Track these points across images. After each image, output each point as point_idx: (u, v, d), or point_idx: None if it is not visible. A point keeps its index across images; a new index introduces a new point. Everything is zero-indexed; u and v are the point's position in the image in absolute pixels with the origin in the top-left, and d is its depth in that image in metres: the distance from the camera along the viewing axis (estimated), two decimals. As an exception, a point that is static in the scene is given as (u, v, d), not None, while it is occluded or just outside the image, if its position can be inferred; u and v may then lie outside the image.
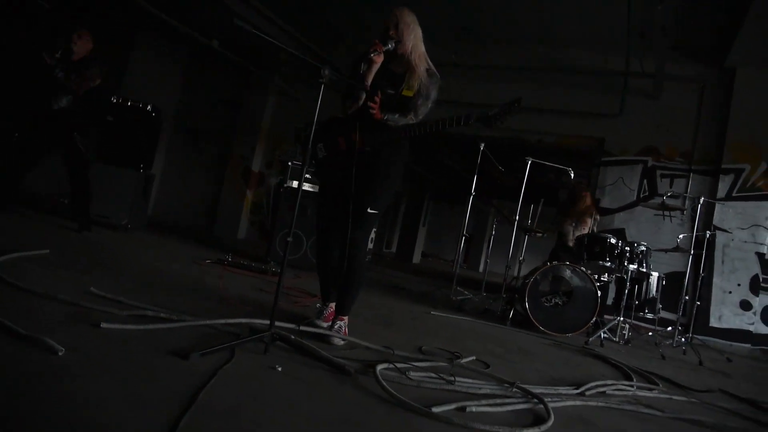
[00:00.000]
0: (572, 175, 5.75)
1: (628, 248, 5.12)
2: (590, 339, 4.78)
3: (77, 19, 5.50)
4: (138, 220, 6.41)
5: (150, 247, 5.66)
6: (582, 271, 4.95)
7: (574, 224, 6.10)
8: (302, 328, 2.86)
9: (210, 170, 10.41)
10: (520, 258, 5.55)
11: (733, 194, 6.94)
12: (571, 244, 6.03)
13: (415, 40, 3.01)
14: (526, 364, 3.41)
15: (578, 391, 2.80)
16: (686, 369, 4.50)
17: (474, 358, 3.10)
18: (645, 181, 7.54)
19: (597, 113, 7.79)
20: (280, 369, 2.20)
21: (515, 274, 5.75)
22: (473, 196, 6.39)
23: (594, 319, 4.89)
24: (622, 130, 7.68)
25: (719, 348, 6.59)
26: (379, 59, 2.94)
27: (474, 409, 2.15)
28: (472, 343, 3.78)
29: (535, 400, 2.40)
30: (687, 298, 5.79)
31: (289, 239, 2.46)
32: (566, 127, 8.09)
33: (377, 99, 2.90)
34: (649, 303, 5.56)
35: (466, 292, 6.09)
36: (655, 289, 5.59)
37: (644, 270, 5.20)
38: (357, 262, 3.00)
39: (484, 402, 2.26)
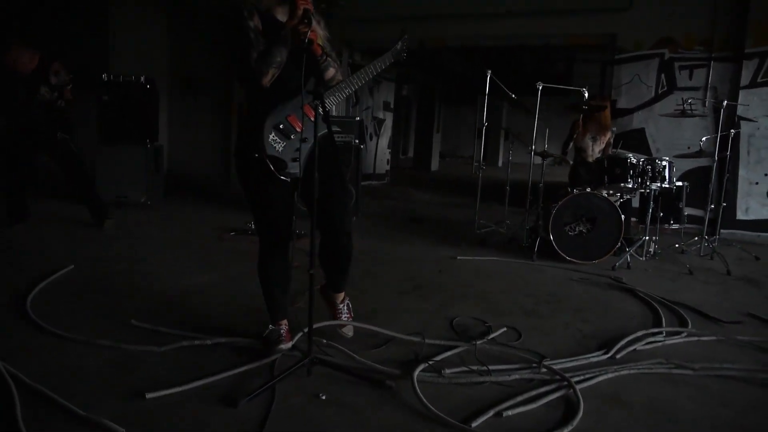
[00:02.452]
0: (586, 95, 5.50)
1: (650, 166, 5.00)
2: (617, 264, 4.82)
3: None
4: (155, 194, 6.45)
5: (172, 226, 5.73)
6: (604, 197, 4.89)
7: (592, 138, 5.93)
8: (328, 342, 2.83)
9: (215, 120, 10.24)
10: (540, 184, 5.46)
11: (758, 80, 6.61)
12: (590, 159, 5.91)
13: None
14: (556, 319, 3.48)
15: (608, 355, 2.87)
16: (714, 284, 4.54)
17: (505, 329, 3.17)
18: (663, 75, 7.19)
19: (605, 8, 7.29)
20: (324, 397, 2.29)
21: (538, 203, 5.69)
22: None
23: (619, 242, 4.90)
24: (634, 23, 7.22)
25: (747, 241, 6.62)
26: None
27: (510, 412, 2.24)
28: (502, 298, 3.85)
29: (566, 383, 2.48)
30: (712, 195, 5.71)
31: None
32: (573, 26, 7.64)
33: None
34: (675, 212, 5.51)
35: (489, 224, 6.10)
36: (679, 198, 5.51)
37: (668, 186, 5.10)
38: (352, 250, 2.73)
39: (518, 399, 2.35)
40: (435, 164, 15.84)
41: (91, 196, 5.38)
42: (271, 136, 2.38)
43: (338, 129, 6.15)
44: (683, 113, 5.52)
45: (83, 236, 5.11)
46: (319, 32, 2.49)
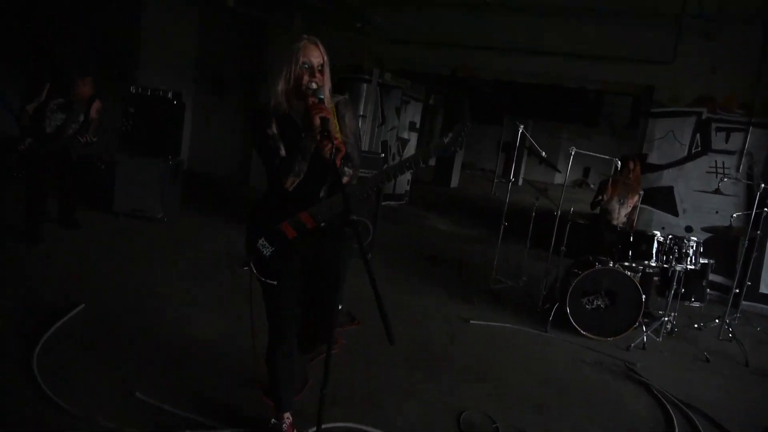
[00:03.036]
0: (619, 165, 5.35)
1: (676, 246, 4.86)
2: (632, 345, 4.70)
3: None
4: (171, 209, 6.42)
5: (186, 248, 5.69)
6: (626, 276, 4.76)
7: (620, 201, 5.79)
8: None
9: (239, 120, 10.21)
10: (562, 248, 5.34)
11: (797, 151, 6.41)
12: (616, 222, 5.78)
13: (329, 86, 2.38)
14: (563, 419, 3.39)
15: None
16: (731, 378, 4.42)
17: (513, 433, 3.09)
18: (698, 134, 7.01)
19: (647, 59, 7.10)
20: None
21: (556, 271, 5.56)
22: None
23: (637, 323, 4.78)
24: (674, 78, 7.03)
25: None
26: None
27: None
28: (512, 382, 3.77)
29: None
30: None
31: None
32: (611, 73, 7.48)
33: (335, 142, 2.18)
34: (697, 291, 5.37)
35: (505, 281, 6.00)
36: (704, 275, 5.36)
37: (694, 267, 4.95)
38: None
39: None
40: (455, 180, 15.70)
41: (70, 202, 5.70)
42: (261, 240, 2.45)
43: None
44: (716, 176, 5.33)
45: (95, 258, 5.09)
46: (345, 123, 2.46)
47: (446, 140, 2.38)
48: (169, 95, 6.12)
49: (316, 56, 2.33)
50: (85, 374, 3.05)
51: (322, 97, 2.26)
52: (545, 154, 5.57)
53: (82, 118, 5.31)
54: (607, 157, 5.34)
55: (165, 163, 6.14)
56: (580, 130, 21.86)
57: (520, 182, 19.72)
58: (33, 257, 4.89)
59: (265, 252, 2.44)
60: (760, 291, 6.59)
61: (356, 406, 3.13)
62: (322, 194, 2.43)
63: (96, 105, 5.38)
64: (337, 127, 2.39)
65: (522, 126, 5.60)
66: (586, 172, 20.72)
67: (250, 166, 10.02)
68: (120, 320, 3.80)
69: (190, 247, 5.76)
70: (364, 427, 2.89)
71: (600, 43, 7.33)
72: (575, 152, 5.22)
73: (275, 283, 2.47)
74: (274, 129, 2.36)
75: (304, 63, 2.31)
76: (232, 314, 4.19)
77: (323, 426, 2.70)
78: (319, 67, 2.33)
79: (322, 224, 2.39)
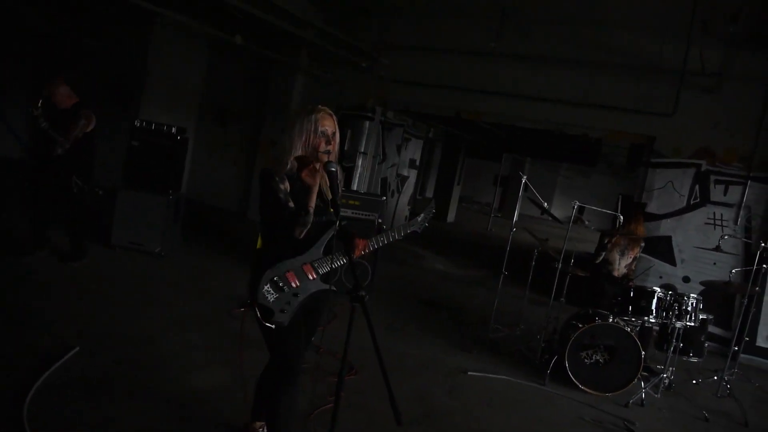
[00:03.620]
0: (621, 219, 5.38)
1: (676, 303, 4.85)
2: (631, 401, 4.65)
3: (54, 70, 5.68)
4: (171, 244, 6.38)
5: (184, 289, 5.64)
6: (626, 332, 4.74)
7: (621, 252, 5.80)
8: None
9: (240, 153, 10.25)
10: (562, 299, 5.33)
11: (794, 207, 6.46)
12: (616, 273, 5.78)
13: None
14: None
15: None
16: (730, 440, 4.37)
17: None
18: (697, 186, 7.07)
19: (649, 111, 7.20)
20: None
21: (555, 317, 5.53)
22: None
23: (635, 380, 4.74)
24: (675, 129, 7.13)
25: (765, 370, 6.45)
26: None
27: None
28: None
29: None
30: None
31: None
32: (613, 122, 7.56)
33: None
34: (695, 346, 5.34)
35: (502, 329, 5.96)
36: (703, 330, 5.33)
37: (693, 324, 4.94)
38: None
39: None
40: (452, 215, 15.76)
41: (77, 235, 5.67)
42: (266, 287, 2.62)
43: (357, 206, 6.10)
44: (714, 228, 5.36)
45: (91, 295, 5.04)
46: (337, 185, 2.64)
47: (419, 219, 3.00)
48: (173, 130, 6.14)
49: (331, 125, 2.66)
50: (77, 425, 2.99)
51: (333, 169, 2.52)
52: (546, 205, 5.58)
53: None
54: (610, 212, 5.36)
55: (166, 197, 6.12)
56: (578, 168, 22.08)
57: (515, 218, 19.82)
58: (27, 291, 4.82)
59: (269, 298, 2.62)
60: (757, 344, 6.56)
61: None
62: (322, 247, 2.71)
63: (84, 112, 5.34)
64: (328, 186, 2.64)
65: (525, 177, 5.63)
66: (581, 209, 20.83)
67: (249, 200, 10.03)
68: (115, 367, 3.73)
69: (189, 287, 5.72)
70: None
71: (604, 94, 7.46)
72: (576, 205, 5.24)
73: (283, 324, 2.65)
74: (286, 186, 2.60)
75: (322, 131, 2.62)
76: (230, 362, 4.13)
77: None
78: (333, 135, 2.66)
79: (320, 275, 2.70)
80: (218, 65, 10.41)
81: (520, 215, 5.48)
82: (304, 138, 2.61)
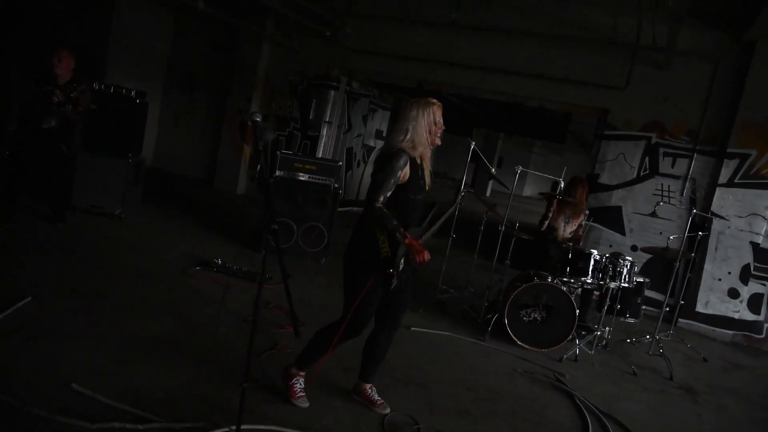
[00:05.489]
0: (562, 185, 5.61)
1: (611, 265, 5.12)
2: (565, 356, 4.94)
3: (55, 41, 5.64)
4: (131, 207, 6.48)
5: (141, 248, 5.76)
6: (563, 291, 5.00)
7: (565, 219, 6.05)
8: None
9: (207, 121, 10.29)
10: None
11: (736, 180, 6.76)
12: (560, 239, 6.03)
13: None
14: (488, 424, 3.59)
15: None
16: (653, 392, 4.67)
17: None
18: (647, 158, 7.34)
19: (602, 83, 7.42)
20: None
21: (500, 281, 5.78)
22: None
23: (570, 336, 5.02)
24: (627, 103, 7.37)
25: (702, 334, 6.80)
26: None
27: None
28: (441, 389, 3.95)
29: None
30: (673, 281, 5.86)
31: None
32: (569, 95, 7.78)
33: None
34: (632, 307, 5.64)
35: (450, 290, 6.20)
36: (639, 293, 5.63)
37: (627, 285, 5.23)
38: (390, 343, 3.51)
39: None
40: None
41: (63, 201, 5.85)
42: (402, 262, 3.14)
43: (314, 171, 6.26)
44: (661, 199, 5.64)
45: (51, 253, 5.15)
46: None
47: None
48: (132, 93, 6.19)
49: (441, 116, 3.16)
50: (25, 365, 3.14)
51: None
52: (494, 170, 5.80)
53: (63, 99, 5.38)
54: (551, 177, 5.58)
55: (125, 161, 6.20)
56: (552, 146, 22.38)
57: (488, 193, 20.09)
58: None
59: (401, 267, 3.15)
60: (697, 310, 6.91)
61: (283, 407, 3.28)
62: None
63: (83, 86, 5.47)
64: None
65: (474, 143, 5.82)
66: (555, 186, 21.21)
67: (216, 169, 10.09)
68: (66, 319, 3.87)
69: (146, 247, 5.84)
70: (286, 430, 3.02)
71: (560, 67, 7.65)
72: (522, 170, 5.45)
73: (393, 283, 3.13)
74: (405, 172, 3.05)
75: (438, 121, 3.13)
76: (180, 315, 4.30)
77: (246, 426, 2.85)
78: (440, 123, 3.16)
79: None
80: (184, 32, 10.36)
81: (494, 192, 5.69)
82: (427, 127, 3.10)
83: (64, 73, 5.37)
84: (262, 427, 2.98)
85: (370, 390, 3.50)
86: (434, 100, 3.15)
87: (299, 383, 3.35)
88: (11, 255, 4.92)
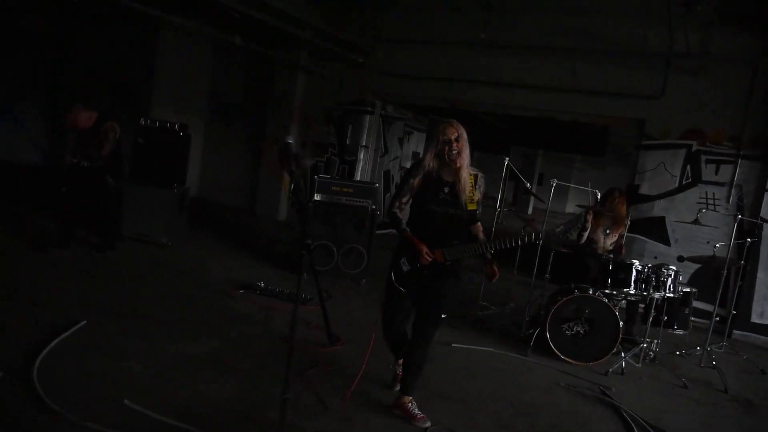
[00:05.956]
0: (599, 196, 5.55)
1: (654, 275, 5.01)
2: (611, 369, 4.83)
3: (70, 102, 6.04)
4: (177, 235, 6.73)
5: (186, 274, 5.98)
6: (604, 303, 4.91)
7: (604, 232, 5.95)
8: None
9: (247, 151, 10.62)
10: (546, 276, 5.52)
11: (785, 182, 6.53)
12: (601, 251, 5.93)
13: (468, 155, 3.39)
14: (530, 439, 3.55)
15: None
16: (706, 405, 4.51)
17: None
18: (688, 166, 7.18)
19: (637, 94, 7.33)
20: None
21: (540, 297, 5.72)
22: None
23: (615, 349, 4.91)
24: (664, 111, 7.25)
25: (759, 346, 6.52)
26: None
27: None
28: (482, 404, 3.92)
29: None
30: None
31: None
32: (603, 107, 7.71)
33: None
34: (680, 318, 5.48)
35: (491, 307, 6.17)
36: (687, 303, 5.47)
37: (673, 295, 5.09)
38: (425, 353, 3.54)
39: None
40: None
41: (109, 226, 6.23)
42: (403, 259, 3.46)
43: (351, 193, 6.40)
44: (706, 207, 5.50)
45: (102, 279, 5.40)
46: (477, 190, 3.48)
47: (557, 229, 3.55)
48: (176, 126, 6.49)
49: (452, 132, 3.32)
50: (80, 384, 3.31)
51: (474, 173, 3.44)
52: (529, 185, 5.79)
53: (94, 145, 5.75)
54: (588, 189, 5.54)
55: (171, 191, 6.47)
56: (592, 161, 22.02)
57: (530, 210, 19.87)
58: (41, 274, 5.20)
59: (404, 268, 3.44)
60: (752, 320, 6.64)
61: (327, 421, 3.33)
62: (455, 241, 3.43)
63: (106, 126, 5.77)
64: (474, 192, 3.43)
65: (507, 159, 5.83)
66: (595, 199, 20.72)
67: (257, 197, 10.37)
68: (116, 339, 4.05)
69: (190, 272, 6.05)
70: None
71: (593, 79, 7.61)
72: (557, 184, 5.43)
73: (403, 290, 3.46)
74: (418, 182, 3.40)
75: (444, 140, 3.32)
76: (222, 336, 4.44)
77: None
78: (455, 139, 3.32)
79: (447, 263, 3.39)
80: (223, 66, 10.80)
81: (535, 209, 5.68)
82: (433, 145, 3.38)
83: (83, 125, 5.73)
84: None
85: (410, 404, 3.52)
86: (449, 120, 3.39)
87: (412, 405, 3.52)
88: (66, 281, 5.18)
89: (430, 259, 3.33)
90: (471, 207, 3.42)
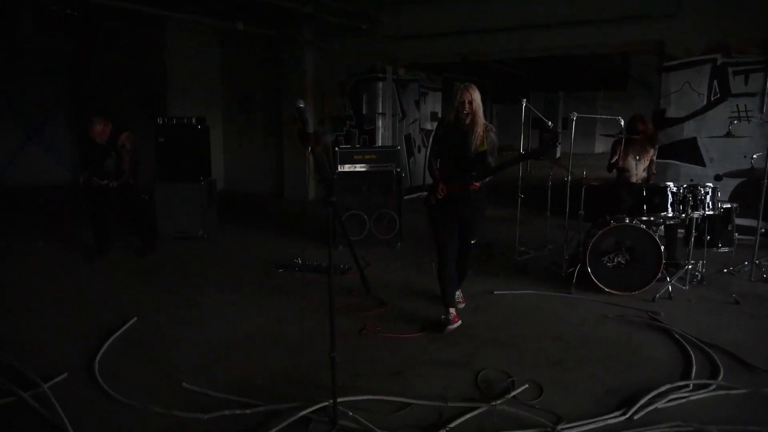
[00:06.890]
0: (622, 123, 5.40)
1: (690, 194, 4.89)
2: (657, 295, 4.77)
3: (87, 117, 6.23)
4: (210, 227, 6.88)
5: (225, 262, 6.12)
6: (641, 229, 4.83)
7: (635, 158, 5.81)
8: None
9: (268, 136, 10.69)
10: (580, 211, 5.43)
11: (820, 84, 6.25)
12: (635, 179, 5.80)
13: (481, 115, 3.96)
14: (581, 369, 3.55)
15: (626, 416, 2.93)
16: (761, 318, 4.42)
17: (527, 386, 3.28)
18: (715, 82, 6.92)
19: (651, 14, 7.05)
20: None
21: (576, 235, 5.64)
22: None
23: (659, 275, 4.84)
24: (683, 29, 6.97)
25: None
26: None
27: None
28: (531, 343, 3.94)
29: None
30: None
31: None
32: (618, 35, 7.47)
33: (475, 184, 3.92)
34: (724, 236, 5.35)
35: (529, 251, 6.14)
36: (729, 220, 5.34)
37: (713, 212, 4.97)
38: (465, 265, 4.46)
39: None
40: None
41: (145, 230, 6.32)
42: (427, 195, 4.18)
43: (374, 159, 6.41)
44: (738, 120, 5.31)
45: (146, 276, 5.58)
46: (488, 140, 4.00)
47: (538, 149, 4.52)
48: (193, 121, 6.58)
49: (467, 96, 3.90)
50: (139, 374, 3.46)
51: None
52: (551, 123, 5.68)
53: (113, 155, 5.90)
54: (609, 117, 5.41)
55: (198, 184, 6.60)
56: (617, 96, 21.39)
57: (558, 154, 19.46)
58: (91, 281, 5.40)
59: (432, 201, 4.09)
60: (800, 230, 6.41)
61: (378, 379, 3.40)
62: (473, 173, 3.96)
63: (122, 138, 5.89)
64: (485, 142, 3.95)
65: (525, 101, 5.72)
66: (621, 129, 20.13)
67: (284, 180, 10.46)
68: (170, 330, 4.20)
69: (229, 260, 6.19)
70: (382, 397, 3.14)
71: (604, 7, 7.35)
72: (578, 116, 5.31)
73: (435, 218, 4.15)
74: (441, 132, 4.15)
75: (460, 101, 3.92)
76: (268, 312, 4.55)
77: (345, 399, 3.00)
78: (469, 101, 3.91)
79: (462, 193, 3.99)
80: (232, 56, 10.83)
81: (563, 154, 5.57)
82: (452, 105, 4.00)
83: (101, 137, 5.87)
84: (358, 398, 3.11)
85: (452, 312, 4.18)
86: (465, 84, 3.95)
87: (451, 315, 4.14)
88: (114, 282, 5.38)
89: (442, 194, 3.95)
90: (481, 149, 3.94)
